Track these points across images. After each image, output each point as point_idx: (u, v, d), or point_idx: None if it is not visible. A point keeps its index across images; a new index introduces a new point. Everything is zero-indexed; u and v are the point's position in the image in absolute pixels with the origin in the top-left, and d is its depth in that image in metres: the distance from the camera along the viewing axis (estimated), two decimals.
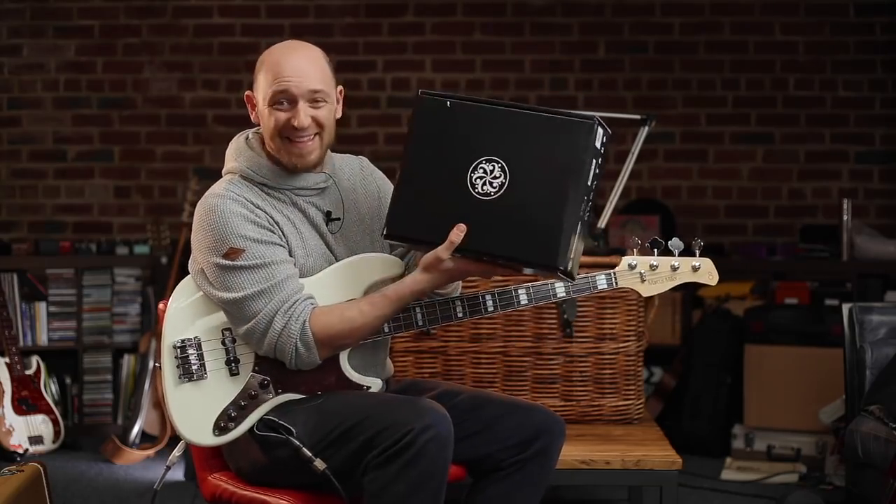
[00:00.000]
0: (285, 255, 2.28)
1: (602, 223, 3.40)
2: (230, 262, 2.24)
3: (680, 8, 5.46)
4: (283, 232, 2.30)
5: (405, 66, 5.50)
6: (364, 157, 2.55)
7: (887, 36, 5.40)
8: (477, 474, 2.37)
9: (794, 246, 5.15)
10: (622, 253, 3.20)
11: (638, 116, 3.51)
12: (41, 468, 2.89)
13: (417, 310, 2.31)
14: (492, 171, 2.17)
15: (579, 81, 5.47)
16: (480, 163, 2.17)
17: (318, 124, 2.30)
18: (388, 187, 2.50)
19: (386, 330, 2.31)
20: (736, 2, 5.45)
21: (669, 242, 2.42)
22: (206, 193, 2.33)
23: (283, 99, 2.28)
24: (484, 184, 2.17)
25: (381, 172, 2.54)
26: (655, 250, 2.43)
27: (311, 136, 2.30)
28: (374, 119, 5.45)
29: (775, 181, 5.46)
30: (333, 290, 2.31)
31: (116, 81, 5.51)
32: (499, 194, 2.16)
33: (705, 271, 2.45)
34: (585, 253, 3.15)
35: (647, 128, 3.48)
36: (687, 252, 2.42)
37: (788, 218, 5.43)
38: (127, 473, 4.35)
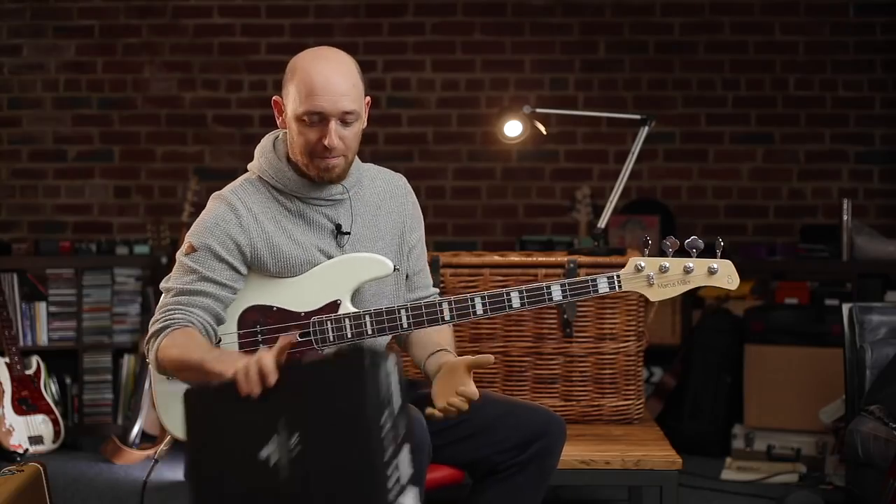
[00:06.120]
0: (227, 278, 2.30)
1: (602, 223, 3.39)
2: (181, 256, 2.32)
3: (680, 8, 5.46)
4: (273, 243, 2.31)
5: (405, 66, 5.50)
6: (403, 177, 2.54)
7: (887, 36, 5.40)
8: (476, 476, 2.36)
9: (794, 246, 5.14)
10: (621, 253, 3.21)
11: (638, 116, 3.51)
12: (41, 468, 2.89)
13: (402, 311, 2.30)
14: (285, 443, 1.95)
15: (579, 81, 5.47)
16: (271, 441, 1.94)
17: (346, 144, 2.30)
18: (416, 214, 2.51)
19: (370, 332, 2.30)
20: (736, 2, 5.45)
21: (686, 242, 2.25)
22: (220, 191, 2.39)
23: (316, 118, 2.27)
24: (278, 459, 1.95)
25: (415, 198, 2.53)
26: (671, 250, 2.30)
27: (338, 155, 2.30)
28: (374, 119, 5.38)
29: (775, 181, 5.46)
30: (320, 288, 2.31)
31: (116, 81, 5.51)
32: (294, 467, 1.93)
33: (724, 274, 2.25)
34: (586, 253, 3.17)
35: (646, 128, 3.48)
36: (707, 252, 2.25)
37: (788, 218, 5.43)
38: (127, 473, 4.34)
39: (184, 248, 2.32)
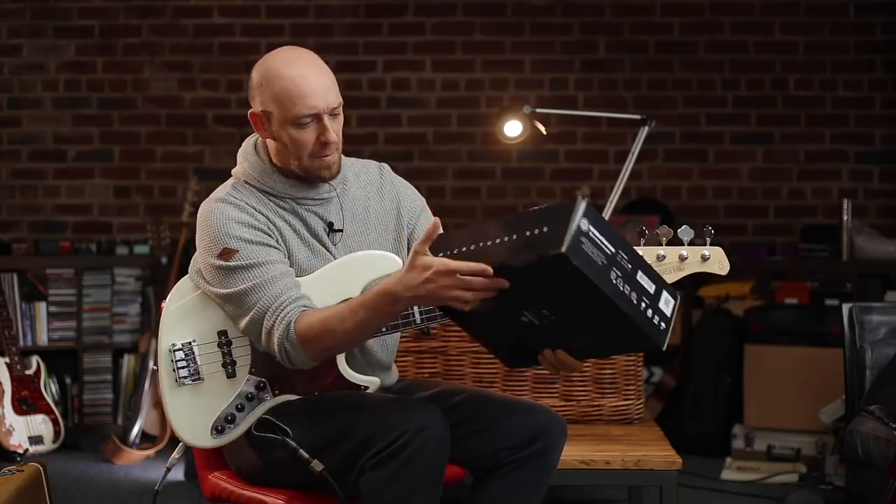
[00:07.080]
0: (279, 257, 2.28)
1: None
2: (225, 263, 2.25)
3: (680, 8, 5.46)
4: (284, 237, 2.31)
5: (405, 66, 5.50)
6: (386, 165, 2.53)
7: (887, 36, 5.40)
8: (478, 473, 2.36)
9: (794, 246, 5.15)
10: None
11: (638, 116, 3.51)
12: (41, 468, 2.89)
13: (415, 307, 2.29)
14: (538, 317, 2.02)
15: (579, 81, 5.48)
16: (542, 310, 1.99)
17: (339, 137, 2.31)
18: (408, 193, 2.48)
19: (383, 329, 2.30)
20: (736, 2, 5.45)
21: (679, 231, 2.36)
22: (209, 197, 2.34)
23: (309, 119, 2.26)
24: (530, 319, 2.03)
25: (402, 179, 2.51)
26: (664, 239, 2.38)
27: (334, 150, 2.30)
28: (374, 119, 5.45)
29: (775, 181, 5.46)
30: (330, 287, 2.30)
31: (116, 81, 5.51)
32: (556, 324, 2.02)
33: (716, 260, 2.37)
34: None
35: (647, 128, 3.48)
36: (698, 240, 2.36)
37: (788, 218, 5.43)
38: (127, 473, 4.35)
39: (219, 258, 2.25)
